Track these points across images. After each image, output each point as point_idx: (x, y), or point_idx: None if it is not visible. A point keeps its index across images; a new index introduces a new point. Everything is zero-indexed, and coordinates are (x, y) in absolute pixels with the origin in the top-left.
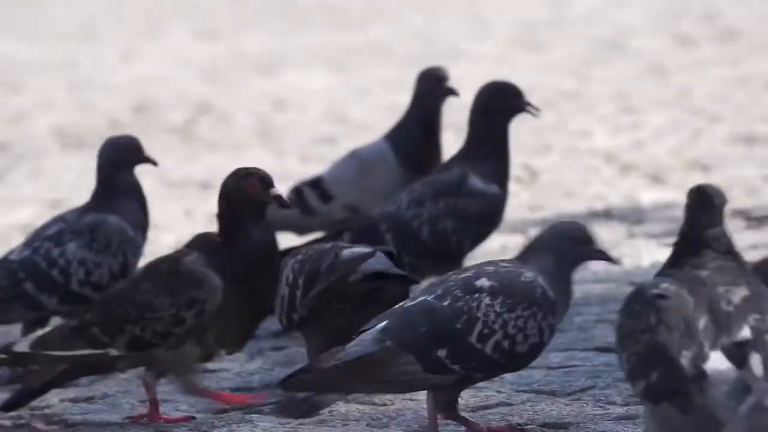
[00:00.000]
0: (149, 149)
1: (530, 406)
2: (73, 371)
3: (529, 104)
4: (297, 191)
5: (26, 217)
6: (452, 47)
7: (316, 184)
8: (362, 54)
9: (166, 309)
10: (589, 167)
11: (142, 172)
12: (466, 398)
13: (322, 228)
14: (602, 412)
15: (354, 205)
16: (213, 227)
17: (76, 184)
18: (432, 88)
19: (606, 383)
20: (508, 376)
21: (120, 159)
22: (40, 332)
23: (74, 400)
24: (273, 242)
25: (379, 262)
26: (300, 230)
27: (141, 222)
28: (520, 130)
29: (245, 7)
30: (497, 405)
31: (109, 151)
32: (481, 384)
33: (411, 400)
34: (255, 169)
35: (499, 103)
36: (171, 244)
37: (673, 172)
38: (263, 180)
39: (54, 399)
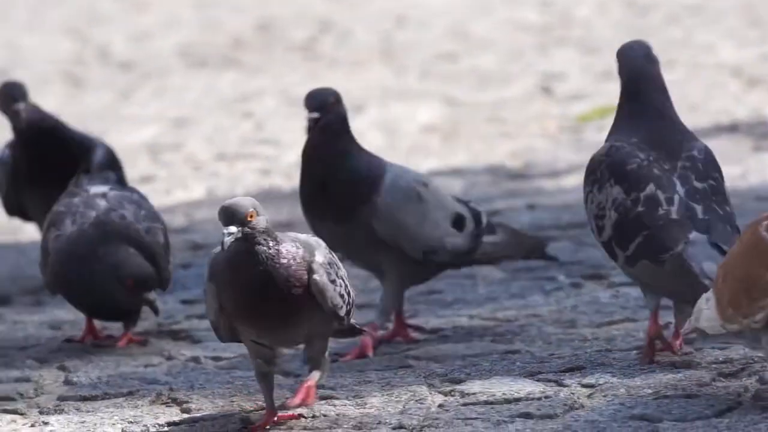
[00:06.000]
0: (272, 68)
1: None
2: None
3: None
4: None
5: (151, 134)
6: None
7: None
8: None
9: None
10: (715, 81)
11: (264, 88)
12: (589, 314)
13: None
14: None
15: None
16: None
17: (199, 102)
18: None
19: None
20: (632, 292)
21: None
22: None
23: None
24: None
25: None
26: None
27: None
28: None
29: None
30: (622, 321)
31: None
32: (604, 300)
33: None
34: None
35: None
36: (292, 161)
37: None
38: None
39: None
